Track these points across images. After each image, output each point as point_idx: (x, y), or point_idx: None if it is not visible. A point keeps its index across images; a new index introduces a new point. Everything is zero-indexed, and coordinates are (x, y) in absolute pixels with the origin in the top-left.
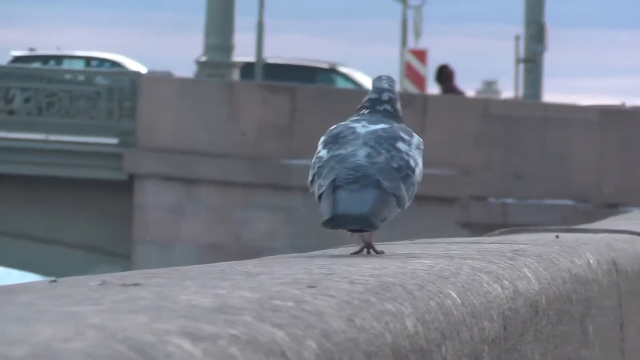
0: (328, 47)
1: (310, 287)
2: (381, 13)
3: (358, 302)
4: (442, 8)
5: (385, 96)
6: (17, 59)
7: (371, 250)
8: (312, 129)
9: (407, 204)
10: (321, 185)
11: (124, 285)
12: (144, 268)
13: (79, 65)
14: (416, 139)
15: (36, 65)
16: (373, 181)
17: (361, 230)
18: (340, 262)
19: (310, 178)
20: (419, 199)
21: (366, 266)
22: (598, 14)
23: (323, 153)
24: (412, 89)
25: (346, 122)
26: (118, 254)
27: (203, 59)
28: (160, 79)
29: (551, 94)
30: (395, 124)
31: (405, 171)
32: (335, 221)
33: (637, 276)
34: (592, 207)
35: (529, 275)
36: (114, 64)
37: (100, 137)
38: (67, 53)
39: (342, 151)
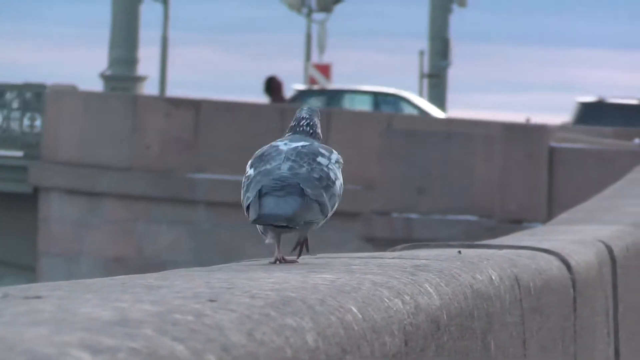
0: (233, 61)
1: (211, 301)
2: (286, 27)
3: (258, 317)
4: (346, 22)
5: (303, 122)
6: None
7: (303, 251)
8: (216, 143)
9: (330, 213)
10: (248, 198)
11: (26, 297)
12: (48, 281)
13: None
14: (335, 154)
15: None
16: (297, 189)
17: (286, 227)
18: (241, 276)
19: (242, 197)
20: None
21: (267, 280)
22: (503, 29)
23: (250, 172)
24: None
25: (270, 144)
26: (23, 266)
27: (108, 72)
28: (64, 92)
29: (455, 109)
30: (315, 142)
31: (326, 181)
32: (261, 218)
33: (540, 292)
34: (495, 222)
35: (431, 290)
36: None
37: (5, 150)
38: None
39: (267, 166)
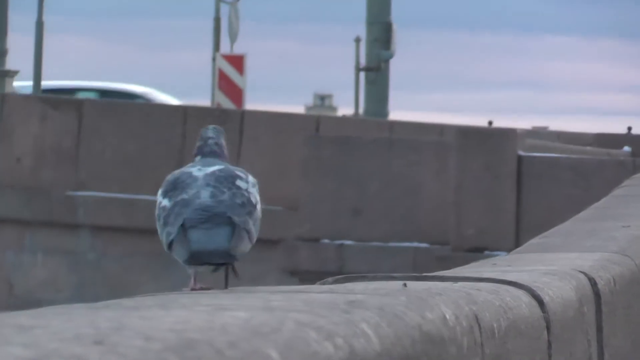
0: (127, 52)
1: (96, 343)
2: (192, 11)
3: None
4: (264, 5)
5: (211, 141)
6: None
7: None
8: (103, 154)
9: (254, 239)
10: (170, 233)
11: None
12: None
13: None
14: (251, 177)
15: None
16: (225, 218)
17: (223, 264)
18: (133, 314)
19: (159, 231)
20: None
21: (166, 319)
22: (457, 12)
23: (165, 202)
24: (226, 102)
25: (181, 169)
26: None
27: None
28: None
29: (399, 111)
30: (228, 165)
31: (248, 207)
32: (195, 257)
33: (505, 335)
34: (449, 251)
35: (369, 332)
36: None
37: None
38: None
39: (185, 195)
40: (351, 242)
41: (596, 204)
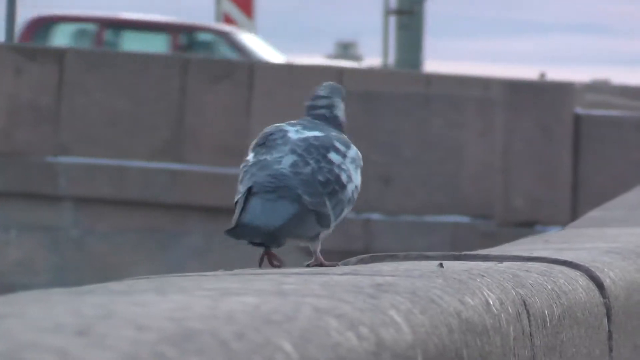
0: None
1: (80, 334)
2: None
3: (148, 356)
4: None
5: (321, 102)
6: None
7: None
8: (88, 112)
9: (334, 224)
10: (239, 192)
11: None
12: None
13: None
14: (353, 151)
15: None
16: (293, 194)
17: (263, 245)
18: (124, 300)
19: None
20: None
21: (162, 306)
22: None
23: (250, 157)
24: (235, 12)
25: (281, 124)
26: None
27: None
28: None
29: (436, 61)
30: (333, 133)
31: (332, 186)
32: (238, 231)
33: (559, 324)
34: (495, 226)
35: (399, 320)
36: None
37: None
38: None
39: (268, 157)
40: (380, 216)
41: None
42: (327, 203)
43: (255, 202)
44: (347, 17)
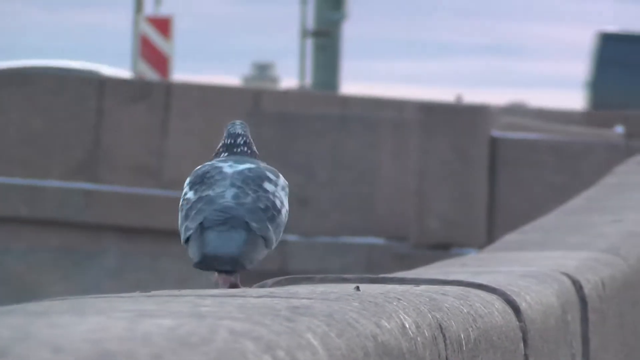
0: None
1: None
2: None
3: None
4: None
5: (240, 140)
6: None
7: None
8: (5, 130)
9: (274, 245)
10: (188, 228)
11: None
12: None
13: None
14: (282, 180)
15: None
16: (242, 223)
17: (231, 271)
18: (41, 321)
19: (179, 222)
20: (159, 237)
21: (79, 327)
22: None
23: (190, 195)
24: (150, 73)
25: (212, 162)
26: None
27: None
28: None
29: (352, 83)
30: (262, 164)
31: (271, 212)
32: (205, 262)
33: (475, 348)
34: (410, 247)
35: (315, 343)
36: None
37: None
38: None
39: (210, 192)
40: (295, 238)
41: (583, 194)
42: (269, 227)
43: (212, 235)
44: (265, 38)
